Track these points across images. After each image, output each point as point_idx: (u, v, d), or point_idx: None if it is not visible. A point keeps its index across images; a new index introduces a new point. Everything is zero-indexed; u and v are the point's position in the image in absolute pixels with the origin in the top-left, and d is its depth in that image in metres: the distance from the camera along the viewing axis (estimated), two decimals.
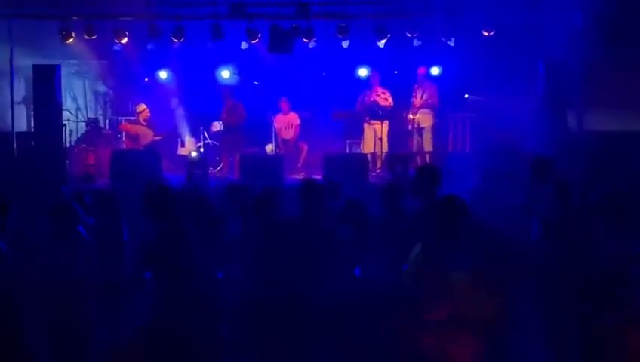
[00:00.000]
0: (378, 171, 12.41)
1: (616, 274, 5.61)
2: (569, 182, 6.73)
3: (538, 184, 7.41)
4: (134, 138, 13.08)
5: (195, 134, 13.47)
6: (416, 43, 12.42)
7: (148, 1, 11.98)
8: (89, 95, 14.61)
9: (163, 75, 13.68)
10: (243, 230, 5.99)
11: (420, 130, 12.75)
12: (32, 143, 11.29)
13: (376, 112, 12.59)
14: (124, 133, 13.43)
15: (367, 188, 9.68)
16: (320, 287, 5.63)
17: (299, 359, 5.85)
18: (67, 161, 11.78)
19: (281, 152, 13.09)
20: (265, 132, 13.36)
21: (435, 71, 13.10)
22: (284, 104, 13.35)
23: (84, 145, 13.21)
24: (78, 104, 14.35)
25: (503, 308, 4.42)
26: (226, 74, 13.50)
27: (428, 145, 12.72)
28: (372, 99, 12.75)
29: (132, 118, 13.53)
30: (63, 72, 11.93)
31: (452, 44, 12.37)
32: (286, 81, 13.74)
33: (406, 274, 4.87)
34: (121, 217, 6.49)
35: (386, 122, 12.64)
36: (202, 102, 13.56)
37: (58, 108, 11.46)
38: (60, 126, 11.67)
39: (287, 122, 13.36)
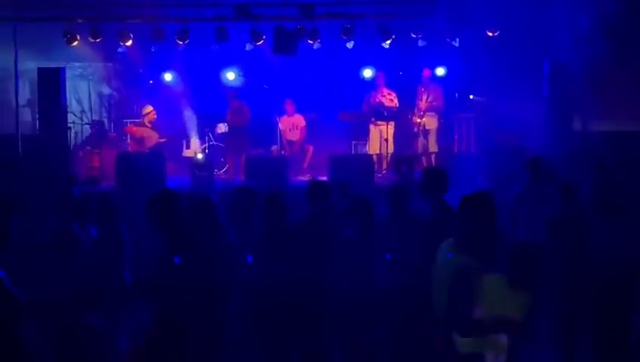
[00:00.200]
0: (384, 172, 12.39)
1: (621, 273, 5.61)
2: (573, 182, 6.74)
3: (538, 184, 7.43)
4: (139, 140, 13.07)
5: (200, 136, 13.45)
6: (421, 43, 12.38)
7: (152, 3, 12.01)
8: (94, 97, 14.64)
9: (168, 77, 13.67)
10: (250, 232, 5.97)
11: (426, 132, 12.73)
12: (37, 146, 11.28)
13: (382, 113, 12.56)
14: (129, 136, 13.42)
15: (373, 188, 9.67)
16: (330, 287, 5.62)
17: (308, 359, 5.85)
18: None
19: (286, 154, 13.08)
20: (270, 133, 13.36)
21: (440, 72, 13.07)
22: (289, 106, 13.33)
23: (88, 148, 13.19)
24: (83, 106, 14.38)
25: (531, 309, 4.42)
26: (230, 75, 13.49)
27: (433, 147, 12.70)
28: (378, 100, 12.73)
29: (137, 120, 13.52)
30: (68, 74, 11.96)
31: (457, 44, 12.34)
32: (291, 82, 13.72)
33: (434, 273, 4.80)
34: (121, 222, 6.45)
35: (392, 123, 12.61)
36: (207, 103, 13.53)
37: (63, 111, 11.49)
38: (65, 128, 11.69)
39: (292, 124, 13.33)
